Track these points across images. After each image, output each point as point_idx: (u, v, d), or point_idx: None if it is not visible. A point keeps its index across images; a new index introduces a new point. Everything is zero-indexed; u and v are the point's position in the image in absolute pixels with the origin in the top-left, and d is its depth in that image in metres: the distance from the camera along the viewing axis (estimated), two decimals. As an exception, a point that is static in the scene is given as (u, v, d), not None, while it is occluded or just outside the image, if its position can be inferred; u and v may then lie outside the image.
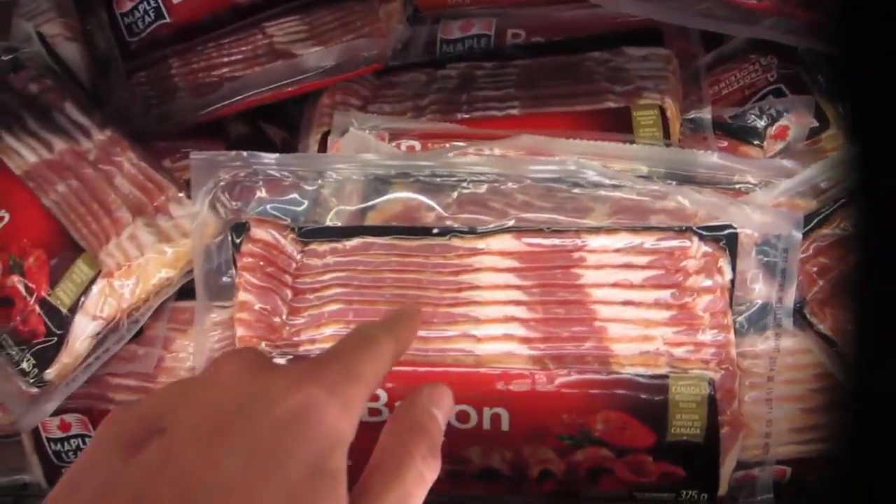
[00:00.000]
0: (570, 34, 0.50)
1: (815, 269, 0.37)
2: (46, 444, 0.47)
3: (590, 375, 0.36)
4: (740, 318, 0.37)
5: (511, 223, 0.37)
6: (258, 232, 0.38)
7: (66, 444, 0.46)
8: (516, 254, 0.38)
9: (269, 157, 0.37)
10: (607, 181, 0.37)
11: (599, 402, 0.36)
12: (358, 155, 0.38)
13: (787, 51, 0.47)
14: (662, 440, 0.37)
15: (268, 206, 0.38)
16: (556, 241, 0.37)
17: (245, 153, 0.37)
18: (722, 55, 0.50)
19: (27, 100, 0.49)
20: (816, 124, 0.44)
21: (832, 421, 0.37)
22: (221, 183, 0.37)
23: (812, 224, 0.36)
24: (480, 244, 0.38)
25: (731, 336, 0.37)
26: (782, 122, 0.44)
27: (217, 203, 0.37)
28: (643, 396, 0.36)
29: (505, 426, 0.37)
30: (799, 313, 0.37)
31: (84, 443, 0.45)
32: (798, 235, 0.36)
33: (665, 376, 0.36)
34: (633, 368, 0.36)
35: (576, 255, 0.37)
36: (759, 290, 0.37)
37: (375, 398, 0.37)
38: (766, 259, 0.37)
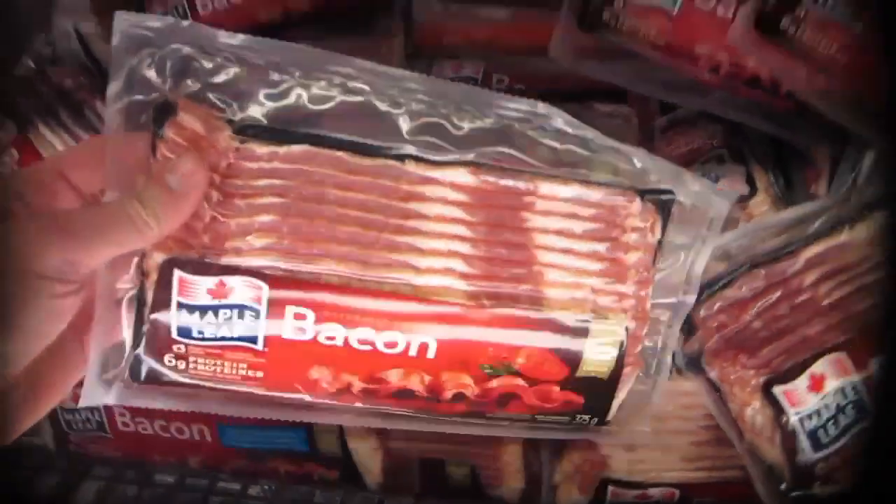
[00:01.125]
0: (548, 86, 0.56)
1: (714, 324, 0.41)
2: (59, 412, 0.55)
3: (521, 314, 0.37)
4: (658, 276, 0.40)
5: (470, 157, 0.36)
6: (187, 118, 0.32)
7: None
8: (468, 188, 0.36)
9: (217, 35, 0.31)
10: (571, 130, 0.36)
11: (525, 340, 0.37)
12: (328, 53, 0.33)
13: (733, 121, 0.51)
14: (573, 375, 0.39)
15: (206, 92, 0.32)
16: (510, 182, 0.36)
17: (187, 22, 0.31)
18: (676, 118, 0.57)
19: (63, 94, 0.53)
20: (747, 191, 0.47)
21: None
22: (152, 53, 0.31)
23: (718, 285, 0.40)
24: (435, 173, 0.36)
25: (650, 291, 0.39)
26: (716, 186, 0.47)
27: (142, 75, 0.31)
28: (565, 336, 0.38)
29: (431, 354, 0.37)
30: (695, 361, 0.41)
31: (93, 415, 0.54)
32: (725, 211, 0.38)
33: (587, 320, 0.38)
34: (562, 313, 0.38)
35: (526, 198, 0.37)
36: (680, 253, 0.40)
37: (301, 317, 0.35)
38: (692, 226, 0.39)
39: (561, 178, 0.37)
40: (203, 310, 0.34)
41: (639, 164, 0.37)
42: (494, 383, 0.39)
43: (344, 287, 0.35)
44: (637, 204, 0.38)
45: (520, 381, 0.39)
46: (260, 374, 0.37)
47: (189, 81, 0.32)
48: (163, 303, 0.34)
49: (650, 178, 0.38)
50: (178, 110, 0.32)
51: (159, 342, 0.35)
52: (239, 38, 0.32)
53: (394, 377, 0.38)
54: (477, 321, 0.37)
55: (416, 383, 0.38)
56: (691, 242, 0.39)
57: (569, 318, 0.37)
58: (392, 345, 0.36)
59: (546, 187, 0.37)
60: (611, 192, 0.38)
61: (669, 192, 0.38)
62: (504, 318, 0.37)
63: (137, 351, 0.35)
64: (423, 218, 0.36)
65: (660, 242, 0.39)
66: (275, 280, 0.34)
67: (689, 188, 0.38)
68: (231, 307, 0.34)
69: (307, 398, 0.38)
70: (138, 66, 0.31)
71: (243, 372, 0.37)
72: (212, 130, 0.33)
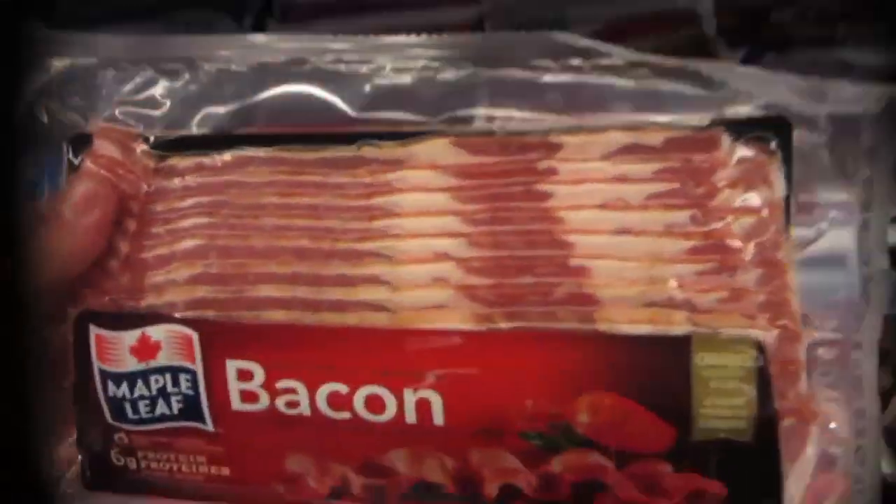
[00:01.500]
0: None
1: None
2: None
3: (564, 338, 0.23)
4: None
5: (447, 124, 0.26)
6: (103, 145, 0.27)
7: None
8: (455, 167, 0.25)
9: (120, 41, 0.27)
10: (592, 53, 0.25)
11: (582, 380, 0.23)
12: (241, 36, 0.27)
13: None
14: (686, 439, 0.23)
15: (117, 111, 0.28)
16: (514, 147, 0.25)
17: (88, 34, 0.27)
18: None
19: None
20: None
21: None
22: (54, 74, 0.27)
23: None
24: (402, 154, 0.26)
25: (790, 278, 0.23)
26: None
27: (47, 103, 0.27)
28: (651, 370, 0.23)
29: (438, 418, 0.24)
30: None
31: None
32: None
33: (685, 338, 0.23)
34: (633, 327, 0.23)
35: (542, 164, 0.25)
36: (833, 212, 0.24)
37: (248, 376, 0.25)
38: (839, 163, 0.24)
39: (589, 127, 0.25)
40: (131, 378, 0.26)
41: (718, 84, 0.24)
42: (557, 465, 0.24)
43: (296, 327, 0.25)
44: (727, 145, 0.24)
45: (598, 458, 0.24)
46: (225, 470, 0.27)
47: (100, 101, 0.27)
48: (85, 373, 0.26)
49: (741, 104, 0.24)
50: (94, 140, 0.27)
51: (99, 431, 0.27)
52: (149, 41, 0.27)
53: (400, 463, 0.25)
54: (493, 355, 0.24)
55: (437, 472, 0.25)
56: (853, 184, 0.23)
57: (648, 336, 0.23)
58: (377, 406, 0.24)
59: (571, 141, 0.25)
60: (678, 133, 0.24)
61: (780, 117, 0.24)
62: (535, 342, 0.23)
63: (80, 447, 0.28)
64: (395, 216, 0.25)
65: (788, 200, 0.24)
66: (205, 326, 0.25)
67: (816, 97, 0.23)
68: (162, 371, 0.26)
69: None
70: (44, 86, 0.27)
71: (204, 469, 0.27)
72: (128, 153, 0.27)
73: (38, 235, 0.25)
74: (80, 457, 0.28)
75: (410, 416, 0.24)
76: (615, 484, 0.24)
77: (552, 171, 0.25)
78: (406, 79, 0.26)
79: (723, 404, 0.22)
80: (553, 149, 0.25)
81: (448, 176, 0.25)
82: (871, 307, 0.24)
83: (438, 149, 0.26)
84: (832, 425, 0.23)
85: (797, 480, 0.23)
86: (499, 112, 0.26)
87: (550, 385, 0.23)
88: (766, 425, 0.23)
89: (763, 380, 0.22)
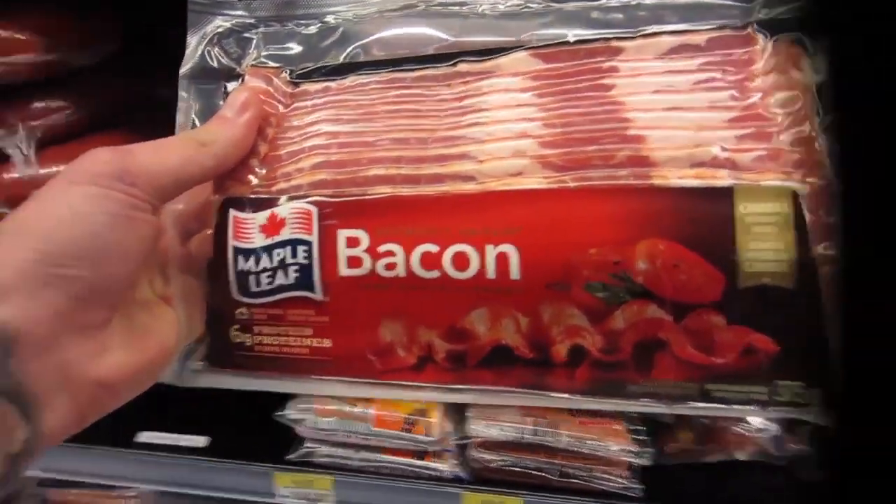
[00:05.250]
0: None
1: None
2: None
3: (624, 192, 0.29)
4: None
5: (528, 42, 0.33)
6: (251, 80, 0.36)
7: None
8: (534, 73, 0.32)
9: (268, 4, 0.36)
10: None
11: (639, 228, 0.28)
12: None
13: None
14: (734, 285, 0.27)
15: (263, 55, 0.36)
16: (582, 53, 0.32)
17: (246, 1, 0.36)
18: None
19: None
20: None
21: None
22: (219, 30, 0.36)
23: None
24: (490, 66, 0.33)
25: (822, 144, 0.28)
26: None
27: (212, 51, 0.36)
28: (699, 218, 0.28)
29: (514, 272, 0.29)
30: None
31: None
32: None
33: (728, 189, 0.28)
34: (681, 178, 0.28)
35: (607, 63, 0.32)
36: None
37: (355, 242, 0.31)
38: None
39: (643, 34, 0.31)
40: (257, 253, 0.33)
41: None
42: (620, 320, 0.29)
43: (398, 198, 0.31)
44: (761, 42, 0.30)
45: (656, 310, 0.28)
46: (327, 342, 0.32)
47: (251, 51, 0.36)
48: (221, 252, 0.33)
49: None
50: (245, 77, 0.36)
51: (223, 307, 0.34)
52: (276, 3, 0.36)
53: (480, 325, 0.30)
54: (562, 209, 0.29)
55: (513, 334, 0.30)
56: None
57: (695, 186, 0.28)
58: (463, 263, 0.30)
59: (629, 46, 0.31)
60: (718, 34, 0.31)
61: (808, 17, 0.30)
62: (599, 195, 0.29)
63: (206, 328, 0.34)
64: (482, 110, 0.32)
65: (818, 87, 0.29)
66: (323, 202, 0.32)
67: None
68: (283, 244, 0.32)
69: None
70: (211, 38, 0.36)
71: (308, 341, 0.33)
72: (271, 83, 0.36)
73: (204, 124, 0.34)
74: (207, 337, 0.35)
75: (490, 272, 0.29)
76: (673, 340, 0.28)
77: (614, 69, 0.31)
78: (494, 12, 0.34)
79: (765, 248, 0.27)
80: (615, 52, 0.32)
81: (528, 79, 0.32)
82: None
83: (519, 60, 0.33)
84: None
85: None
86: (570, 31, 0.33)
87: (612, 233, 0.28)
88: (807, 270, 0.27)
89: (800, 226, 0.27)
